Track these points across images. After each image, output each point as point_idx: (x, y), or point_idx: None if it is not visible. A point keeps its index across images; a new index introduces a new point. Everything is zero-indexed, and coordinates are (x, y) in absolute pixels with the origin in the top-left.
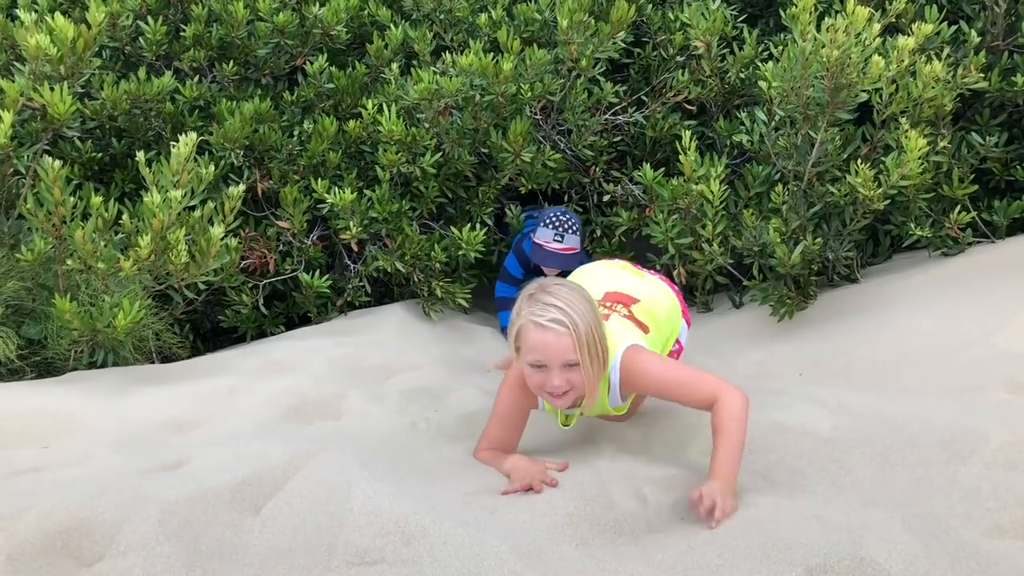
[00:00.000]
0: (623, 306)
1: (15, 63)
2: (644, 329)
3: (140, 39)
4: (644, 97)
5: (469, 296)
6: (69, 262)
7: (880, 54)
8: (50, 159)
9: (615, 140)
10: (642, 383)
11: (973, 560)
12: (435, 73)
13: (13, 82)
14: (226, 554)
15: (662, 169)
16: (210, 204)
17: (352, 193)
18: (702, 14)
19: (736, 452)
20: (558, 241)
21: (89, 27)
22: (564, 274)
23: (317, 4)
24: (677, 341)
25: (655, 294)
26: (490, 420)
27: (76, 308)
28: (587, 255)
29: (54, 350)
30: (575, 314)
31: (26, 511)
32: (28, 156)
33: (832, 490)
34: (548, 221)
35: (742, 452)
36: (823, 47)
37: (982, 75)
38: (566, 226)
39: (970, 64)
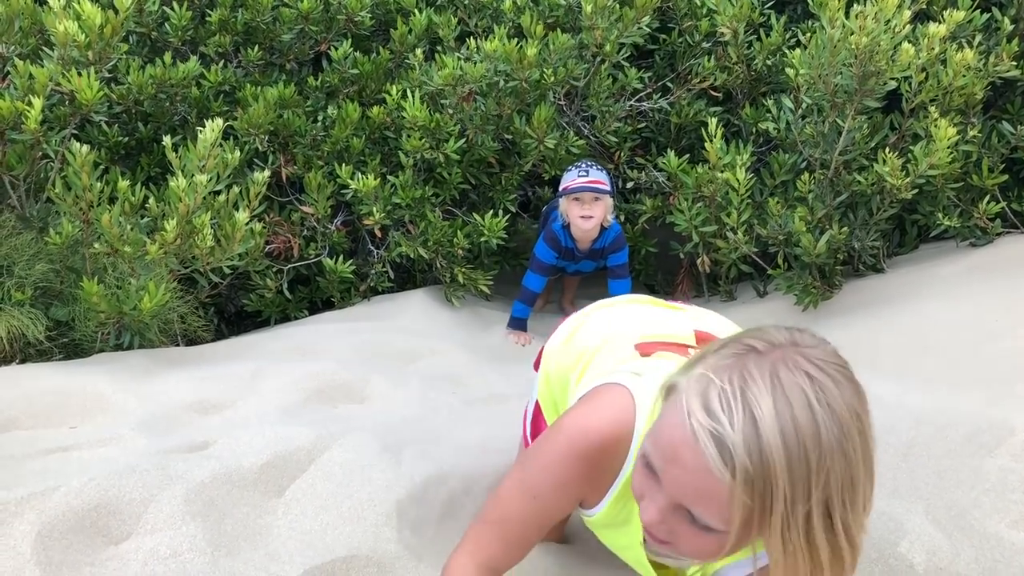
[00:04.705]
0: None
1: (44, 48)
2: None
3: (166, 24)
4: (669, 83)
5: (491, 282)
6: (96, 245)
7: (910, 42)
8: (78, 144)
9: (639, 126)
10: None
11: (997, 552)
12: (459, 59)
13: (42, 67)
14: (250, 534)
15: (687, 156)
16: (235, 189)
17: (375, 179)
18: (729, 0)
19: None
20: (583, 176)
21: (116, 13)
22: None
23: None
24: None
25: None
26: (485, 521)
27: (103, 291)
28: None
29: (81, 332)
30: (779, 464)
31: (55, 490)
32: (57, 140)
33: None
34: (571, 167)
35: None
36: (851, 34)
37: (1014, 63)
38: (589, 163)
39: (1002, 52)
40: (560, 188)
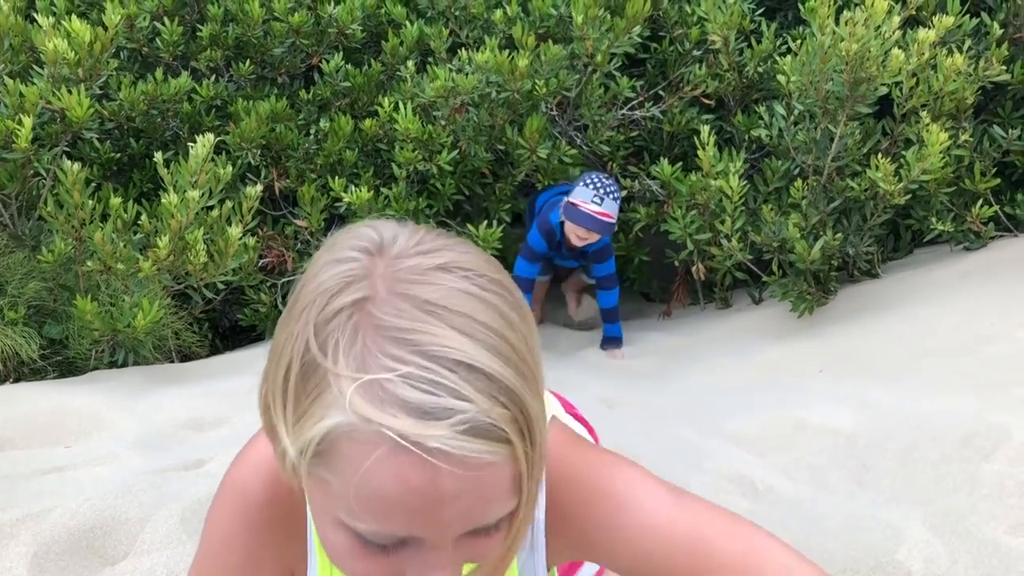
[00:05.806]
0: None
1: (34, 66)
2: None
3: (157, 40)
4: (661, 92)
5: None
6: (89, 263)
7: (900, 47)
8: (69, 162)
9: (632, 135)
10: (586, 529)
11: (995, 558)
12: (451, 70)
13: (33, 84)
14: None
15: (680, 164)
16: (228, 204)
17: (369, 191)
18: (719, 8)
19: None
20: (596, 203)
21: (106, 29)
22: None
23: (332, 3)
24: None
25: None
26: None
27: (97, 308)
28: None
29: (75, 350)
30: (517, 382)
31: (51, 510)
32: (48, 158)
33: (853, 487)
34: (589, 181)
35: None
36: (842, 41)
37: (1004, 67)
38: (608, 189)
39: (992, 56)
40: (571, 197)
